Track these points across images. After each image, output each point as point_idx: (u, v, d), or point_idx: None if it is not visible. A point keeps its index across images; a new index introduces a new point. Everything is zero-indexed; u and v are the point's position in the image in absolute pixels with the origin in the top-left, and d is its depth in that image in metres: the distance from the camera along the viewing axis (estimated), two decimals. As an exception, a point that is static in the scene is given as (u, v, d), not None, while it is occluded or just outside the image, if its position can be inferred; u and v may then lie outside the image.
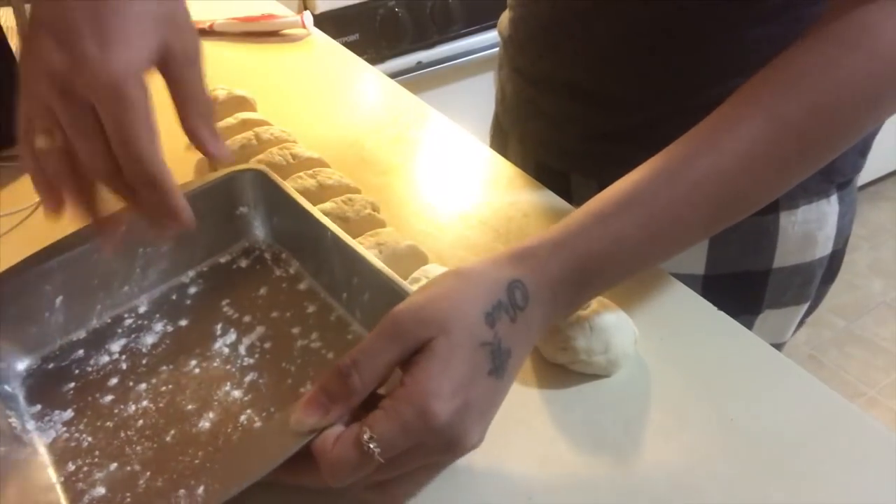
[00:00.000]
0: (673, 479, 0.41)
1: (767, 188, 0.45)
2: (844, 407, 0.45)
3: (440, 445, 0.36)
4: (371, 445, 0.34)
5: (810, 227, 0.62)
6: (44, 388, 0.48)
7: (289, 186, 0.54)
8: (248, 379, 0.47)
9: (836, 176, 0.62)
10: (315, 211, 0.51)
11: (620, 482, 0.41)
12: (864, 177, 2.40)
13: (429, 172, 0.69)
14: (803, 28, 0.45)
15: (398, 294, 0.44)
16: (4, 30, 0.70)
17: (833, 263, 0.67)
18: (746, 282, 0.64)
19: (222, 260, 0.56)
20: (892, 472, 0.41)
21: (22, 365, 0.49)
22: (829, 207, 0.63)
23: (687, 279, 0.62)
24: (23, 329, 0.49)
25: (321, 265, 0.52)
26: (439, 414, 0.34)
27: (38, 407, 0.47)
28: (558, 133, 0.68)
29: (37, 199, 0.67)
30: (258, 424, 0.44)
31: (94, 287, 0.52)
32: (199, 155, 0.71)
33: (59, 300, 0.50)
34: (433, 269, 0.52)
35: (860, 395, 1.72)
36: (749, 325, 0.66)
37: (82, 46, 0.36)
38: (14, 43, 0.76)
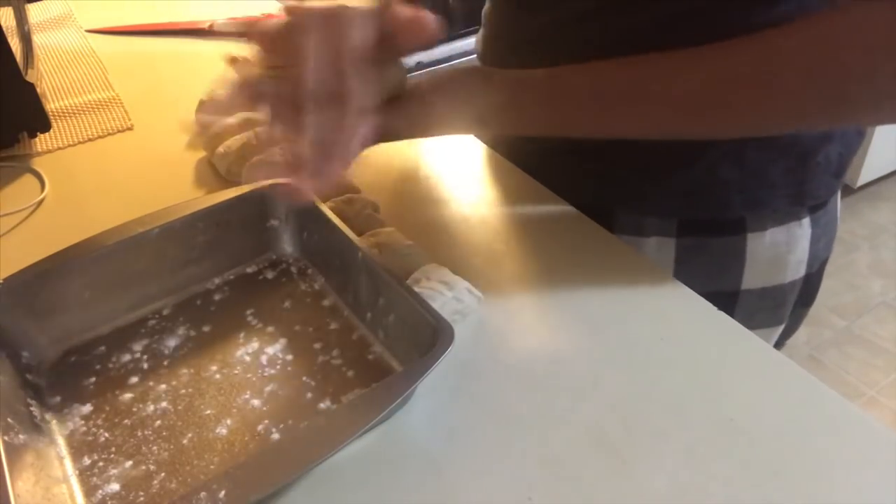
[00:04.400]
0: (673, 479, 0.41)
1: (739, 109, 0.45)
2: (844, 407, 0.45)
3: None
4: None
5: (780, 249, 0.61)
6: (65, 380, 0.49)
7: (321, 203, 0.55)
8: (267, 389, 0.47)
9: (808, 199, 0.60)
10: (346, 230, 0.52)
11: (620, 482, 0.41)
12: (864, 177, 2.42)
13: (429, 172, 0.69)
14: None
15: (424, 318, 0.45)
16: (4, 30, 0.70)
17: (807, 287, 0.65)
18: (715, 303, 0.62)
19: (249, 270, 0.57)
20: (892, 472, 0.41)
21: (45, 355, 0.50)
22: (801, 230, 0.61)
23: None
24: (49, 320, 0.50)
25: (347, 283, 0.53)
26: None
27: (58, 399, 0.47)
28: (527, 146, 0.67)
29: (37, 198, 0.67)
30: (275, 436, 0.44)
31: (122, 285, 0.53)
32: (199, 155, 0.71)
33: (87, 295, 0.51)
34: (433, 269, 0.52)
35: (860, 395, 1.72)
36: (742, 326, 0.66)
37: None
38: (14, 43, 0.76)
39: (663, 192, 0.60)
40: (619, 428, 0.44)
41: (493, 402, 0.46)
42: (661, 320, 0.51)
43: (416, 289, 0.49)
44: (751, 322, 0.64)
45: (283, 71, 0.42)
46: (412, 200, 0.65)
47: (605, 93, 0.47)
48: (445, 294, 0.49)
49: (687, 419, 0.44)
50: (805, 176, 0.59)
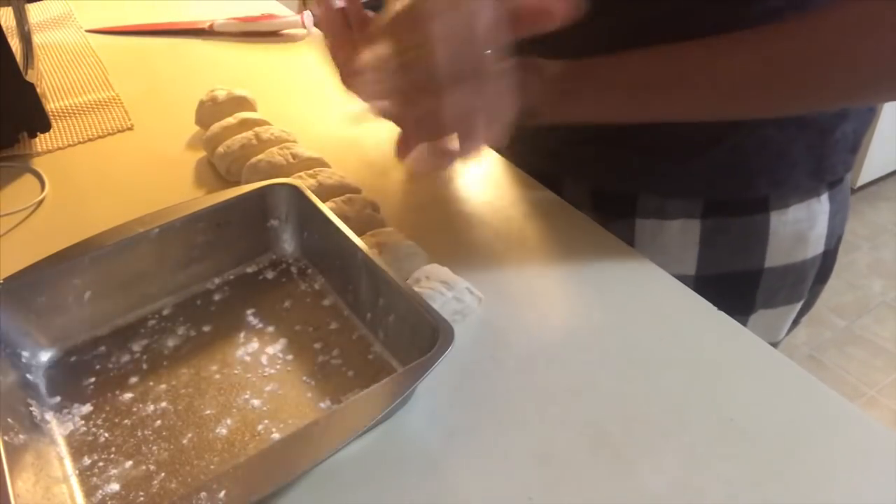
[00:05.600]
0: (673, 479, 0.41)
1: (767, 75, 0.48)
2: (844, 407, 0.45)
3: None
4: None
5: (801, 226, 0.62)
6: (65, 380, 0.49)
7: (321, 203, 0.55)
8: (268, 389, 0.47)
9: (827, 175, 0.62)
10: (347, 230, 0.52)
11: (620, 482, 0.41)
12: (863, 177, 2.42)
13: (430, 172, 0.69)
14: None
15: (424, 319, 0.45)
16: (4, 30, 0.70)
17: (826, 263, 0.67)
18: (738, 282, 0.64)
19: (249, 270, 0.57)
20: (892, 472, 0.41)
21: (45, 356, 0.50)
22: (820, 206, 0.62)
23: (679, 280, 0.62)
24: (49, 320, 0.50)
25: (347, 284, 0.53)
26: None
27: (58, 399, 0.47)
28: (550, 136, 0.68)
29: (37, 198, 0.67)
30: (275, 435, 0.44)
31: (122, 285, 0.53)
32: (199, 154, 0.71)
33: (87, 295, 0.51)
34: (433, 269, 0.52)
35: (860, 395, 1.72)
36: (743, 326, 0.66)
37: None
38: (14, 43, 0.76)
39: (687, 175, 0.61)
40: (619, 428, 0.44)
41: (493, 402, 0.46)
42: (661, 320, 0.51)
43: (416, 289, 0.49)
44: (773, 300, 0.65)
45: (413, 54, 0.43)
46: (412, 200, 0.65)
47: (654, 79, 0.50)
48: (445, 294, 0.49)
49: (687, 419, 0.44)
50: (824, 152, 0.60)
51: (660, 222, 0.63)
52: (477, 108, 0.44)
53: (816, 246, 0.64)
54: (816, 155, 0.60)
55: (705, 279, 0.63)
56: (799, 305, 0.69)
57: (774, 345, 0.70)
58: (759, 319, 0.66)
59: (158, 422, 0.45)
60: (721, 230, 0.62)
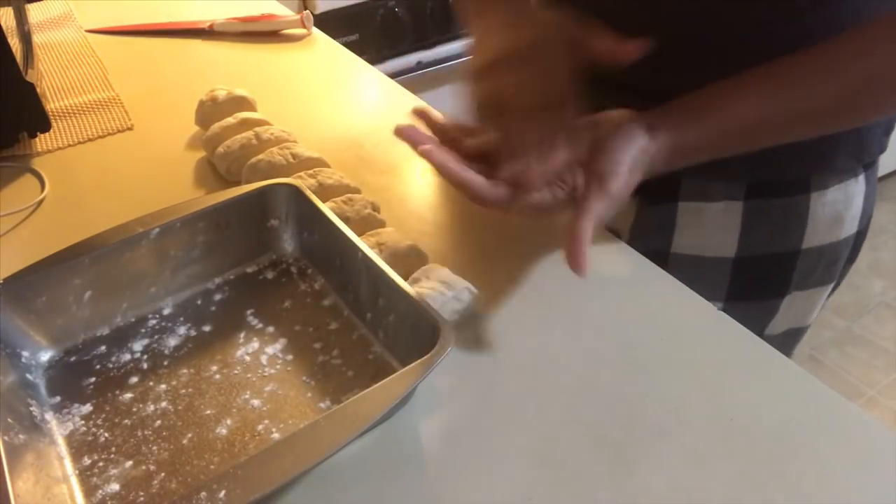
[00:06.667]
0: (673, 479, 0.41)
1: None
2: (844, 407, 0.45)
3: None
4: None
5: (838, 207, 0.63)
6: (65, 380, 0.49)
7: (321, 203, 0.55)
8: (267, 389, 0.47)
9: (864, 155, 0.63)
10: (347, 230, 0.52)
11: (620, 482, 0.41)
12: (864, 176, 2.29)
13: (429, 172, 0.69)
14: (834, 25, 0.49)
15: (425, 318, 0.45)
16: (4, 30, 0.70)
17: (857, 243, 0.68)
18: (776, 264, 0.64)
19: (249, 270, 0.57)
20: (892, 472, 0.41)
21: (45, 355, 0.50)
22: (857, 187, 0.63)
23: (718, 262, 0.63)
24: (49, 320, 0.50)
25: (347, 284, 0.53)
26: None
27: (58, 399, 0.47)
28: None
29: (37, 198, 0.67)
30: (275, 435, 0.44)
31: (122, 285, 0.53)
32: (199, 154, 0.71)
33: (87, 295, 0.51)
34: (433, 270, 0.52)
35: (860, 395, 1.71)
36: (775, 309, 0.67)
37: None
38: (14, 43, 0.76)
39: (730, 158, 0.61)
40: (619, 428, 0.44)
41: (492, 401, 0.46)
42: (661, 320, 0.51)
43: (416, 289, 0.49)
44: (807, 281, 0.66)
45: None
46: (412, 200, 0.65)
47: (754, 117, 0.52)
48: (445, 294, 0.49)
49: (687, 419, 0.44)
50: (862, 134, 0.61)
51: (702, 205, 0.63)
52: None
53: (851, 226, 0.65)
54: (855, 137, 0.61)
55: (744, 261, 0.64)
56: (830, 287, 0.69)
57: (804, 329, 0.71)
58: (792, 301, 0.67)
59: (158, 422, 0.45)
60: (762, 212, 0.62)
